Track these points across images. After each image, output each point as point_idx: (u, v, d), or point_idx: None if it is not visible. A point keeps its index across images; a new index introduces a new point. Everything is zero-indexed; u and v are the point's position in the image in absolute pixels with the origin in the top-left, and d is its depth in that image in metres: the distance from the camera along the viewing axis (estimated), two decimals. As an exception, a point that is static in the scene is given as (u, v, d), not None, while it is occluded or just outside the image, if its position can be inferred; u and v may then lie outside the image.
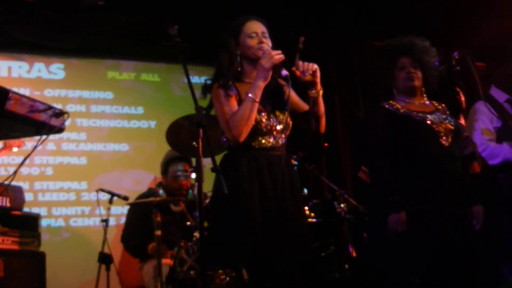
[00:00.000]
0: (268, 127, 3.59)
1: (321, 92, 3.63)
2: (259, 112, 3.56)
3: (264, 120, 3.58)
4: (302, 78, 3.53)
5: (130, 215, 5.89)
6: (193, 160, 5.84)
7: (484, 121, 4.59)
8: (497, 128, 4.54)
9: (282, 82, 3.74)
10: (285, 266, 3.46)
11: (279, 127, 3.64)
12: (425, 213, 3.71)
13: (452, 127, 3.95)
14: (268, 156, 3.57)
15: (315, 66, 3.54)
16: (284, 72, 3.56)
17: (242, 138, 3.48)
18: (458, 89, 4.26)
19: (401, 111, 3.97)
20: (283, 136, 3.67)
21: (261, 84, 3.49)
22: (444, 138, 3.89)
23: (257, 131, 3.56)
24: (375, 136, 4.00)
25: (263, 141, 3.59)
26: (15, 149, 5.84)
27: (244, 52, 3.70)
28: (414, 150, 3.85)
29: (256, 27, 3.73)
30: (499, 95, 4.66)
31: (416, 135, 3.89)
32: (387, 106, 4.03)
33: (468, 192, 3.90)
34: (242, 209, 3.45)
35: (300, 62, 3.52)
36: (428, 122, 3.91)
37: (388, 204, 3.74)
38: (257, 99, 3.46)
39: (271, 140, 3.61)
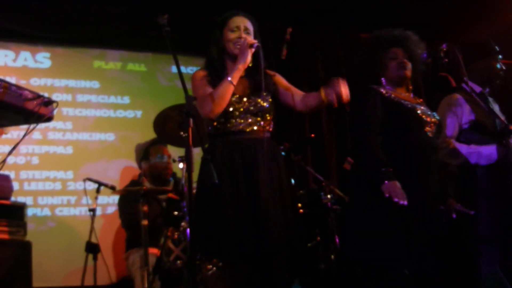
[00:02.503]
0: (246, 109, 3.62)
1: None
2: (236, 95, 3.61)
3: (241, 103, 3.61)
4: (329, 98, 3.55)
5: (122, 203, 5.90)
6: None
7: (460, 115, 4.63)
8: (471, 121, 4.57)
9: (270, 72, 3.77)
10: (260, 252, 3.46)
11: (256, 111, 3.66)
12: (409, 202, 3.72)
13: (437, 121, 4.01)
14: (244, 140, 3.61)
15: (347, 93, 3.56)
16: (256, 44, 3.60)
17: (214, 115, 3.55)
18: (451, 80, 4.31)
19: (391, 97, 4.00)
20: (261, 119, 3.70)
21: (240, 67, 3.57)
22: (428, 128, 3.94)
23: (233, 114, 3.60)
24: (365, 116, 3.99)
25: (240, 125, 3.61)
26: None
27: (225, 45, 3.76)
28: (401, 136, 3.88)
29: (239, 21, 3.78)
30: (474, 87, 4.69)
31: (405, 122, 3.92)
32: (378, 89, 4.05)
33: (444, 185, 3.97)
34: (212, 192, 3.49)
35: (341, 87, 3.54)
36: (419, 111, 3.95)
37: (380, 174, 3.72)
38: (234, 82, 3.53)
39: (248, 122, 3.63)
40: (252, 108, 3.65)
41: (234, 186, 3.51)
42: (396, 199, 3.62)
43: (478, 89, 4.65)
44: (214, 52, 3.77)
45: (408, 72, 4.07)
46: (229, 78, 3.51)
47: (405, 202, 3.62)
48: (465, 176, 4.51)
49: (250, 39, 3.64)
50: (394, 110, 3.94)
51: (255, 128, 3.65)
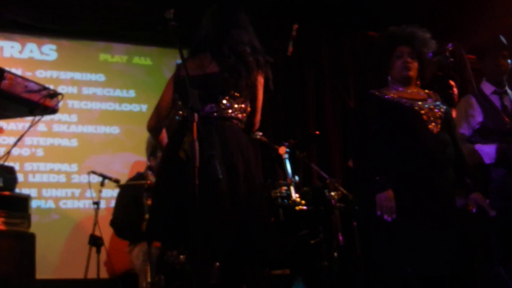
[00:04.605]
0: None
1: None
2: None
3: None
4: None
5: (120, 198, 5.91)
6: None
7: (470, 117, 4.62)
8: (480, 122, 4.56)
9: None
10: (216, 237, 3.40)
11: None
12: (415, 201, 3.72)
13: (442, 114, 3.94)
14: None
15: None
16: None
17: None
18: (451, 83, 4.28)
19: (391, 97, 3.97)
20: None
21: None
22: (433, 124, 3.89)
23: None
24: (363, 124, 4.00)
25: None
26: None
27: None
28: (403, 136, 3.86)
29: None
30: (487, 88, 4.67)
31: (404, 121, 3.89)
32: (377, 93, 4.03)
33: (460, 181, 3.93)
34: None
35: None
36: (416, 108, 3.91)
37: (374, 184, 3.74)
38: None
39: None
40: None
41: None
42: (382, 215, 3.67)
43: (491, 88, 4.63)
44: None
45: (412, 72, 4.03)
46: None
47: (390, 218, 3.65)
48: (479, 175, 4.49)
49: None
50: (392, 111, 3.92)
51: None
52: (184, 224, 3.31)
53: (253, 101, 3.75)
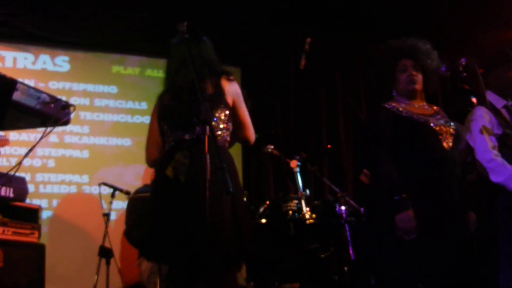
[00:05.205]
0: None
1: None
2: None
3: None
4: None
5: (129, 209, 5.90)
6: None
7: (487, 127, 4.55)
8: (498, 135, 4.51)
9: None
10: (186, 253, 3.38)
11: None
12: (426, 217, 3.69)
13: (453, 131, 3.92)
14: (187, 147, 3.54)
15: None
16: None
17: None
18: (474, 101, 4.26)
19: (403, 112, 3.94)
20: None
21: None
22: (446, 141, 3.86)
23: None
24: (377, 133, 3.95)
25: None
26: None
27: None
28: (417, 151, 3.82)
29: None
30: (497, 101, 4.62)
31: (418, 136, 3.85)
32: (388, 107, 4.00)
33: (463, 198, 3.90)
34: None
35: None
36: (431, 124, 3.88)
37: (394, 203, 3.69)
38: None
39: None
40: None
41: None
42: (402, 235, 3.63)
43: (501, 102, 4.59)
44: None
45: (418, 86, 4.00)
46: None
47: (409, 238, 3.62)
48: (484, 190, 4.43)
49: None
50: (406, 126, 3.88)
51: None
52: (180, 241, 3.35)
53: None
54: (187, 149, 3.49)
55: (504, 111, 4.53)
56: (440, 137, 3.85)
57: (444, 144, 3.85)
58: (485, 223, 4.09)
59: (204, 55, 3.75)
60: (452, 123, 3.97)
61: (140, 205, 5.61)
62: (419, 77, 4.01)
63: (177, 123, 3.61)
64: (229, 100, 3.67)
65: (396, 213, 3.65)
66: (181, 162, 3.47)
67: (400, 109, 3.95)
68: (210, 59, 3.77)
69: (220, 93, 3.63)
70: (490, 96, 4.57)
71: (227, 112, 3.63)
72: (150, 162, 3.86)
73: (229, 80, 3.71)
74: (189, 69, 3.49)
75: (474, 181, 4.39)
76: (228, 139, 3.67)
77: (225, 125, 3.62)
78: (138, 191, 5.88)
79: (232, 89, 3.71)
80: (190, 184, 3.38)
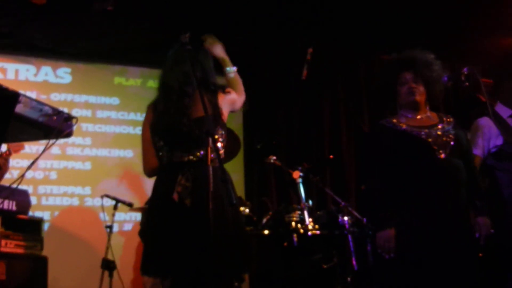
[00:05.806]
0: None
1: None
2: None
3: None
4: None
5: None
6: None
7: (486, 138, 4.57)
8: (498, 145, 4.51)
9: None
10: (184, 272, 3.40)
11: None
12: (419, 231, 3.69)
13: (450, 139, 3.90)
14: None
15: None
16: None
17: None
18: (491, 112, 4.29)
19: (399, 127, 3.94)
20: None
21: None
22: (440, 151, 3.85)
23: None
24: (371, 156, 4.00)
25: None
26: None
27: None
28: (410, 164, 3.84)
29: None
30: (503, 111, 4.63)
31: (410, 150, 3.87)
32: (385, 124, 4.01)
33: (470, 203, 3.89)
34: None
35: None
36: (423, 136, 3.88)
37: (377, 221, 3.74)
38: None
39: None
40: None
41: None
42: (381, 253, 3.70)
43: (507, 111, 4.60)
44: None
45: (418, 97, 3.99)
46: None
47: (387, 256, 3.68)
48: (491, 197, 4.43)
49: None
50: (399, 141, 3.90)
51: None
52: (184, 254, 3.35)
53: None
54: (189, 171, 3.48)
55: (510, 120, 4.54)
56: (434, 147, 3.84)
57: (438, 154, 3.82)
58: (496, 229, 4.08)
59: (204, 65, 3.76)
60: (454, 131, 3.94)
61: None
62: (420, 89, 4.00)
63: (175, 142, 3.58)
64: (225, 116, 3.70)
65: (377, 231, 3.72)
66: (185, 186, 3.45)
67: (399, 124, 3.96)
68: (208, 69, 3.78)
69: (217, 114, 3.62)
70: (499, 106, 4.59)
71: (223, 133, 3.64)
72: (149, 171, 3.82)
73: (224, 93, 3.73)
74: (180, 69, 3.53)
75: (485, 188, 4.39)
76: (223, 156, 3.67)
77: (222, 144, 3.63)
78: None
79: (225, 101, 3.73)
80: (196, 207, 3.36)
